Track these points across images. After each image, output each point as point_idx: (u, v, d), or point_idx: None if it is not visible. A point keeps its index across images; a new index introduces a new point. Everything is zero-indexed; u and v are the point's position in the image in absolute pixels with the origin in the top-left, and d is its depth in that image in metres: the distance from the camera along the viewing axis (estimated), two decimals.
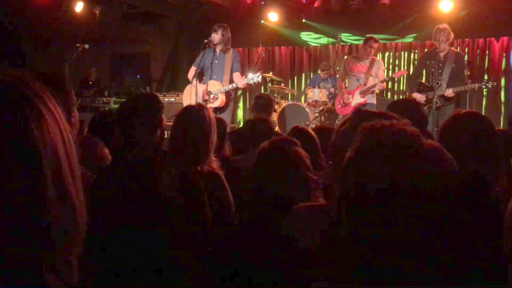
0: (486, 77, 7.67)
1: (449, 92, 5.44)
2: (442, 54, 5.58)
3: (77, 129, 1.80)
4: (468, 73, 6.52)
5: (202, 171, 2.16)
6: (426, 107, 5.49)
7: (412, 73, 6.02)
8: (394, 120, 1.00)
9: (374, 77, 6.42)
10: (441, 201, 0.89)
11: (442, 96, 5.47)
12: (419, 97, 5.57)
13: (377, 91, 6.60)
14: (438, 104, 5.40)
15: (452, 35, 5.56)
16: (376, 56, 6.88)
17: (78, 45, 6.55)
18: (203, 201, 1.84)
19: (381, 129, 0.94)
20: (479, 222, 1.58)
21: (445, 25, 5.58)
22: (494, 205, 1.67)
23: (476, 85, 5.66)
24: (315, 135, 2.84)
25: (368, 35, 6.58)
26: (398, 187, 0.88)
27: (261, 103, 4.46)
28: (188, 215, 1.68)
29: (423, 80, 5.90)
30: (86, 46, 6.60)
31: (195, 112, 2.33)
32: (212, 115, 2.44)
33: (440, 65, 5.49)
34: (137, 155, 1.81)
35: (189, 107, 2.56)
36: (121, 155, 1.91)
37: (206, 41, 5.77)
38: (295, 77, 9.49)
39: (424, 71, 6.00)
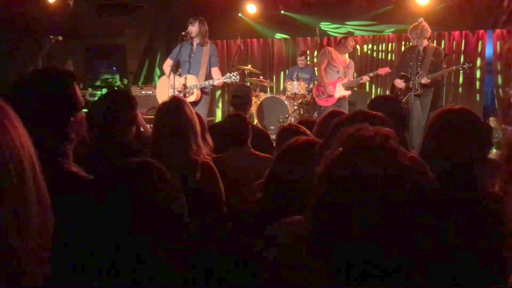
0: (461, 70, 7.83)
1: (425, 80, 5.80)
2: (421, 48, 5.91)
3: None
4: (445, 66, 6.66)
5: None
6: (407, 96, 5.90)
7: (395, 67, 6.39)
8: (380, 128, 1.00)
9: (347, 74, 6.83)
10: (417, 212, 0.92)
11: (420, 84, 5.82)
12: (400, 82, 6.05)
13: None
14: (419, 92, 5.78)
15: (428, 31, 5.84)
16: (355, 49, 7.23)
17: (51, 37, 6.38)
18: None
19: (366, 138, 0.97)
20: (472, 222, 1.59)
21: (418, 23, 5.81)
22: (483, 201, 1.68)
23: (454, 67, 6.23)
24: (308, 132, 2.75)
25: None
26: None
27: (238, 101, 4.42)
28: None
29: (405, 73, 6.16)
30: (60, 38, 6.44)
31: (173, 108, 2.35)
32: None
33: (420, 58, 5.82)
34: (123, 157, 1.74)
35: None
36: (102, 155, 1.83)
37: (183, 33, 5.68)
38: (274, 70, 9.44)
39: (405, 64, 6.22)
